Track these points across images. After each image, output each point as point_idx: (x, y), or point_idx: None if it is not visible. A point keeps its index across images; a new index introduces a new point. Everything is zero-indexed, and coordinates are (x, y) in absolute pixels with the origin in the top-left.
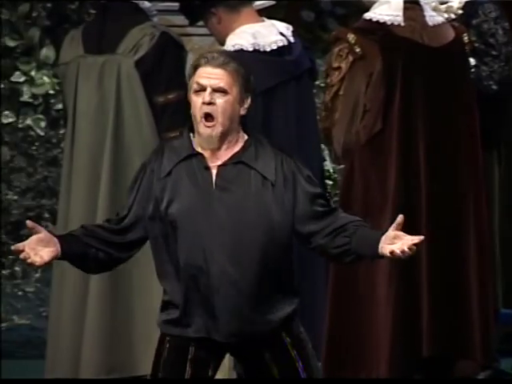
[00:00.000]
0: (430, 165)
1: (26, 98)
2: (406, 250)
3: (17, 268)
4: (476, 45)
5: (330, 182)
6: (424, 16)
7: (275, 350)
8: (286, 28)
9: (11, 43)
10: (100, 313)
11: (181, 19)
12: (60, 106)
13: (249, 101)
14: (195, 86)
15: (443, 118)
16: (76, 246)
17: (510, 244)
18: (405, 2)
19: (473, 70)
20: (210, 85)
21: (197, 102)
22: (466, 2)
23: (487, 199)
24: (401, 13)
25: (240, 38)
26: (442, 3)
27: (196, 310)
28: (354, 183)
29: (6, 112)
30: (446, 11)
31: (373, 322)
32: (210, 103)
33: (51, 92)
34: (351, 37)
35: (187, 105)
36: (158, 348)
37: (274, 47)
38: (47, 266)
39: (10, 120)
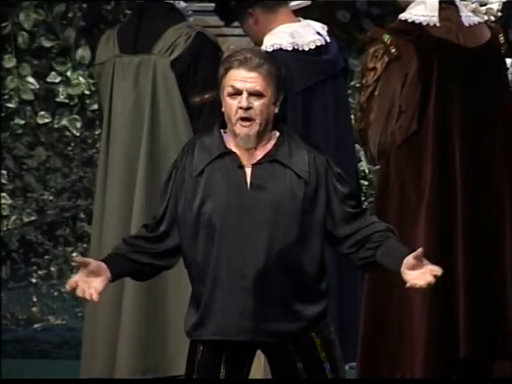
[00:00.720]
0: (465, 165)
1: (61, 98)
2: (424, 284)
3: (52, 268)
4: None
5: (366, 183)
6: (460, 16)
7: (304, 351)
8: (322, 28)
9: (47, 44)
10: (135, 313)
11: (216, 20)
12: (95, 107)
13: (281, 98)
14: (230, 90)
15: (479, 118)
16: (123, 265)
17: None
18: (440, 3)
19: None
20: (246, 89)
21: (232, 105)
22: (505, 3)
23: None
24: (436, 13)
25: (278, 37)
26: (481, 5)
27: (224, 311)
28: (390, 184)
29: (42, 112)
30: (485, 13)
31: (408, 322)
32: (248, 108)
33: (87, 92)
34: (387, 37)
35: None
36: (191, 350)
37: (313, 46)
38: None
39: (46, 120)
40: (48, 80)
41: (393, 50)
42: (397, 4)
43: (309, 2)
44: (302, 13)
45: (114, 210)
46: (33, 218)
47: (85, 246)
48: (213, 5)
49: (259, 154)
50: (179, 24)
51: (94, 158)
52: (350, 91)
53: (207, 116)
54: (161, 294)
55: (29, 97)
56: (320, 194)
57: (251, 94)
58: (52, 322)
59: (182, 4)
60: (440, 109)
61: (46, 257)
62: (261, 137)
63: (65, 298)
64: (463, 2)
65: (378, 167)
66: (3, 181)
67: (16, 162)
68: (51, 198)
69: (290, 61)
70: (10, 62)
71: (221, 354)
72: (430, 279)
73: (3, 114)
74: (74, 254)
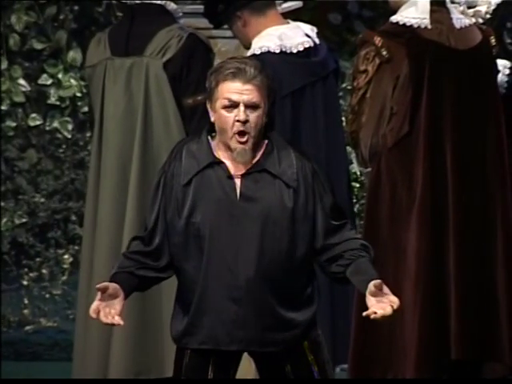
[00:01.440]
0: (456, 167)
1: (53, 100)
2: (378, 315)
3: (44, 270)
4: (510, 47)
5: (357, 185)
6: (451, 19)
7: (292, 354)
8: (311, 29)
9: (38, 46)
10: (127, 315)
11: (205, 22)
12: (87, 109)
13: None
14: (225, 102)
15: (470, 120)
16: (133, 282)
17: None
18: (432, 5)
19: (508, 72)
20: (243, 101)
21: (229, 118)
22: (499, 5)
23: None
24: (428, 15)
25: (266, 40)
26: (469, 7)
27: (214, 321)
28: (381, 186)
29: (33, 115)
30: (473, 15)
31: (400, 324)
32: (245, 121)
33: (78, 94)
34: (378, 40)
35: None
36: (179, 353)
37: (301, 49)
38: (75, 269)
39: (37, 123)
40: (39, 82)
41: (384, 53)
42: (388, 6)
43: (300, 4)
44: (293, 15)
45: (107, 212)
46: (24, 220)
47: (76, 248)
48: (202, 7)
49: (247, 163)
50: (171, 26)
51: (85, 160)
52: (341, 93)
53: (200, 118)
54: (154, 295)
55: (20, 99)
56: (308, 202)
57: (247, 106)
58: (43, 324)
59: (173, 6)
60: (431, 111)
61: (38, 259)
62: (255, 149)
63: (56, 300)
64: (455, 6)
65: (369, 169)
66: None
67: (7, 165)
68: (42, 200)
69: (278, 63)
70: (1, 64)
71: (209, 358)
72: (385, 312)
73: None
74: (98, 286)
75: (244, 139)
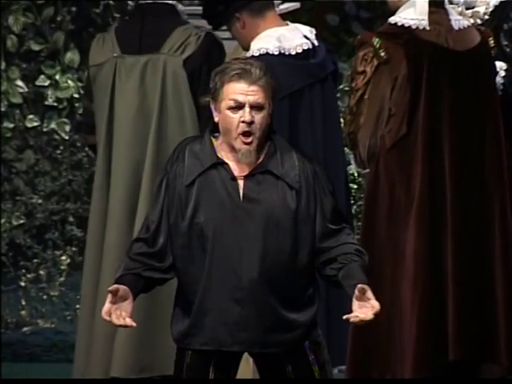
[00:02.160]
0: (455, 168)
1: (50, 101)
2: (357, 320)
3: (41, 272)
4: (508, 49)
5: (355, 186)
6: (449, 20)
7: (293, 354)
8: (310, 31)
9: (36, 47)
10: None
11: (204, 23)
12: None
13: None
14: (231, 103)
15: (468, 121)
16: (140, 284)
17: None
18: (430, 6)
19: (504, 74)
20: (249, 102)
21: (234, 118)
22: (497, 7)
23: None
24: (426, 17)
25: (265, 41)
26: (468, 8)
27: (217, 322)
28: (379, 187)
29: (31, 116)
30: (471, 16)
31: (398, 325)
32: (251, 122)
33: (76, 96)
34: (376, 41)
35: None
36: (180, 353)
37: (300, 50)
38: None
39: (35, 124)
40: (37, 83)
41: (382, 54)
42: (386, 6)
43: (298, 6)
44: (291, 16)
45: (118, 213)
46: (22, 222)
47: (74, 249)
48: (201, 8)
49: (251, 164)
50: (186, 25)
51: (83, 162)
52: (338, 94)
53: None
54: (157, 294)
55: (17, 100)
56: (310, 204)
57: (252, 107)
58: (41, 326)
59: (181, 7)
60: (429, 112)
61: (35, 260)
62: (259, 150)
63: (54, 301)
64: (453, 7)
65: (367, 170)
66: None
67: (5, 166)
68: (40, 201)
69: (276, 65)
70: None
71: (210, 359)
72: (365, 316)
73: None
74: (110, 288)
75: (249, 140)
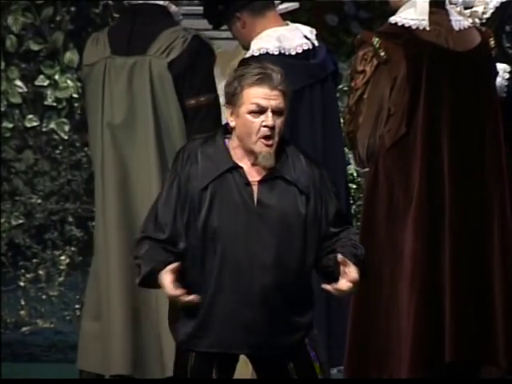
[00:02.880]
0: (454, 168)
1: (49, 101)
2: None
3: (41, 272)
4: (510, 51)
5: (354, 186)
6: (450, 20)
7: (295, 352)
8: (310, 31)
9: (35, 47)
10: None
11: (204, 23)
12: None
13: None
14: (253, 107)
15: (467, 121)
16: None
17: None
18: (431, 7)
19: (508, 76)
20: (271, 107)
21: (255, 123)
22: (498, 8)
23: None
24: (426, 17)
25: (265, 41)
26: (466, 8)
27: (225, 325)
28: (378, 187)
29: (30, 116)
30: (470, 16)
31: (395, 326)
32: (273, 126)
33: (75, 96)
34: (376, 40)
35: (217, 109)
36: (182, 355)
37: (300, 51)
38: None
39: (34, 124)
40: (36, 83)
41: (382, 54)
42: (386, 6)
43: (297, 5)
44: (290, 16)
45: (113, 213)
46: (21, 222)
47: (73, 249)
48: (201, 8)
49: (264, 169)
50: (175, 27)
51: (82, 162)
52: (338, 94)
53: (202, 119)
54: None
55: (17, 100)
56: (317, 208)
57: (274, 112)
58: (40, 326)
59: (175, 8)
60: (429, 112)
61: (34, 260)
62: (276, 154)
63: (53, 301)
64: (452, 6)
65: (366, 170)
66: None
67: (4, 166)
68: (39, 201)
69: (276, 65)
70: None
71: (213, 360)
72: (339, 287)
73: None
74: (171, 267)
75: (270, 142)
